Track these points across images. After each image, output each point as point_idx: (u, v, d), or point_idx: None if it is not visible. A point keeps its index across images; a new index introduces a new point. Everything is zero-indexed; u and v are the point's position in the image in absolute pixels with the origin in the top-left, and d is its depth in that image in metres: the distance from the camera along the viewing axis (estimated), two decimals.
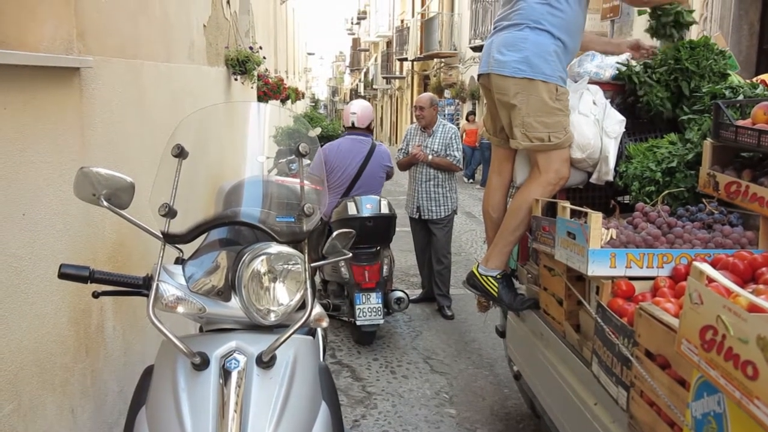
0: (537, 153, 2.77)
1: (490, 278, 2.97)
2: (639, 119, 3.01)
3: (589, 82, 2.95)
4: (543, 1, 2.73)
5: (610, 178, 2.83)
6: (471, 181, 15.72)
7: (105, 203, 1.89)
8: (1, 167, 1.98)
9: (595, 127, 2.80)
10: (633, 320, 1.88)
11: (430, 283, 5.78)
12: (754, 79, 2.83)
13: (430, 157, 5.40)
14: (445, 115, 18.89)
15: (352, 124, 5.09)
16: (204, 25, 4.67)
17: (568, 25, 2.77)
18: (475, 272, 3.03)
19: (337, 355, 4.58)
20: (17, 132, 2.06)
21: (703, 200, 2.44)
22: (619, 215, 2.63)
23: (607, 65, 3.00)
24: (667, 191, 2.55)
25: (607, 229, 2.27)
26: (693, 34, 7.65)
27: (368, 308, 4.55)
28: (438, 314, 5.54)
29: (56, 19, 2.33)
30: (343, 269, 4.62)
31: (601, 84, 2.98)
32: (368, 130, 5.12)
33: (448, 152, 5.45)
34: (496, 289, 2.95)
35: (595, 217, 2.15)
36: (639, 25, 9.45)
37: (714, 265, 1.83)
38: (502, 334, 3.65)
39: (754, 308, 1.30)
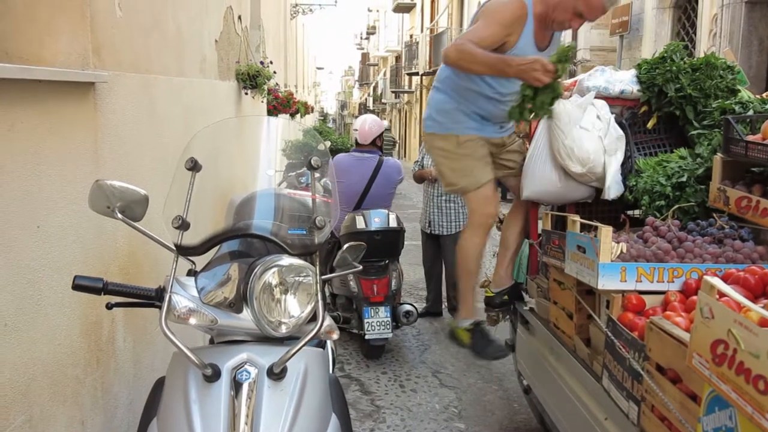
0: (464, 198, 2.87)
1: (463, 329, 3.07)
2: (649, 133, 3.02)
3: (596, 97, 2.96)
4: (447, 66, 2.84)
5: (609, 197, 2.83)
6: None
7: (119, 215, 1.91)
8: (17, 180, 2.00)
9: (598, 142, 2.81)
10: (644, 334, 1.87)
11: (435, 298, 5.78)
12: (764, 95, 2.83)
13: None
14: None
15: (356, 140, 5.13)
16: (216, 41, 4.72)
17: (465, 91, 2.83)
18: (451, 326, 3.22)
19: (346, 369, 4.57)
20: (33, 145, 2.09)
21: (714, 215, 2.44)
22: (629, 229, 2.63)
23: (616, 80, 3.01)
24: (677, 206, 2.55)
25: (617, 243, 2.27)
26: (701, 49, 7.67)
27: (377, 322, 4.55)
28: (447, 328, 5.52)
29: (72, 35, 2.37)
30: (351, 283, 4.62)
31: (609, 99, 2.99)
32: (374, 146, 5.12)
33: None
34: (467, 339, 3.05)
35: (605, 231, 2.15)
36: (648, 40, 9.47)
37: (725, 279, 1.83)
38: (511, 348, 3.64)
39: (765, 323, 1.30)
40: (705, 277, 1.47)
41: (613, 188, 2.80)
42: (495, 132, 2.97)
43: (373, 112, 36.06)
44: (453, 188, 2.81)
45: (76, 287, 1.80)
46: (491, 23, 2.53)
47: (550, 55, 2.57)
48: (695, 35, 8.36)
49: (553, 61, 2.48)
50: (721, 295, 1.42)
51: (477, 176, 2.76)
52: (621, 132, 2.85)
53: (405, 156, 30.64)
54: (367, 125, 5.10)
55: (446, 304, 5.74)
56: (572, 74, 11.37)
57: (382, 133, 5.19)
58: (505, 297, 3.14)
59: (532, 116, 2.63)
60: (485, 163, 2.80)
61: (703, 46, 7.73)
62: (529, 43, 2.64)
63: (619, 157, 2.82)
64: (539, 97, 2.53)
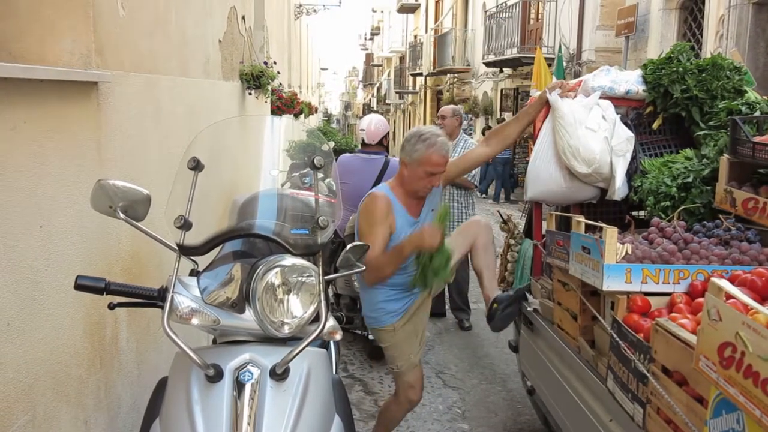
0: (397, 378, 3.10)
1: None
2: (655, 134, 3.00)
3: (602, 97, 2.94)
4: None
5: (617, 197, 2.82)
6: (484, 196, 15.71)
7: (121, 215, 1.91)
8: (20, 180, 2.00)
9: (604, 143, 2.80)
10: (649, 336, 1.86)
11: (438, 299, 5.75)
12: None
13: None
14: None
15: (363, 141, 5.10)
16: (219, 41, 4.71)
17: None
18: None
19: (350, 369, 4.56)
20: (36, 145, 2.08)
21: (720, 216, 2.42)
22: (635, 230, 2.62)
23: (621, 80, 2.99)
24: (683, 207, 2.54)
25: (622, 244, 2.25)
26: (707, 50, 7.64)
27: None
28: (450, 328, 5.51)
29: (75, 35, 2.37)
30: (355, 283, 4.61)
31: (614, 99, 2.97)
32: (381, 146, 5.10)
33: None
34: None
35: (611, 232, 2.14)
36: (654, 42, 9.44)
37: (731, 281, 1.81)
38: (515, 348, 3.63)
39: None
40: (712, 279, 1.45)
41: (618, 191, 2.79)
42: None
43: (377, 112, 36.06)
44: (393, 369, 3.09)
45: (79, 287, 1.80)
46: (373, 227, 2.79)
47: (428, 216, 2.92)
48: (701, 36, 8.33)
49: (437, 221, 2.74)
50: (728, 297, 1.40)
51: (412, 358, 3.03)
52: (630, 133, 2.83)
53: None
54: (373, 125, 5.07)
55: (449, 304, 5.72)
56: (577, 75, 11.35)
57: (388, 133, 5.18)
58: (495, 305, 3.17)
59: (435, 281, 2.84)
60: (416, 342, 3.06)
61: (709, 48, 7.70)
62: (404, 219, 2.88)
63: (628, 158, 2.80)
64: (435, 260, 2.75)
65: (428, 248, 2.72)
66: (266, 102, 6.93)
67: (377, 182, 4.87)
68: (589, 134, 2.78)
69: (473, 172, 5.42)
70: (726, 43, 7.27)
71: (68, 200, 2.27)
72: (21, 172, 2.00)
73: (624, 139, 2.80)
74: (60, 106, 2.24)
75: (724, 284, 1.40)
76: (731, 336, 1.29)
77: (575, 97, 2.97)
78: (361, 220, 2.89)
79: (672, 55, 2.93)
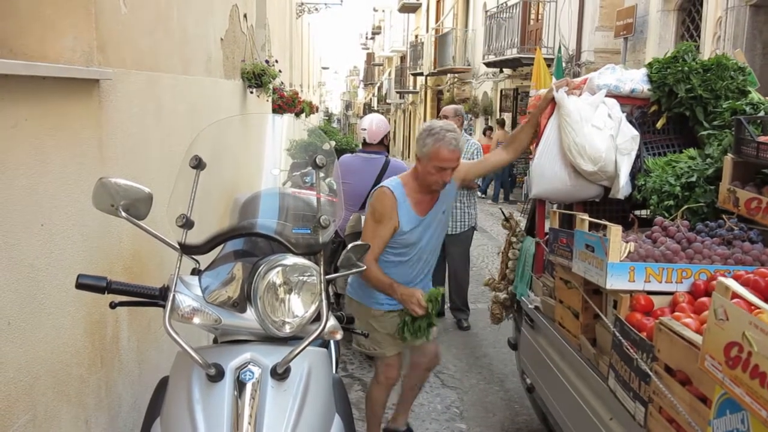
0: (376, 359, 3.22)
1: None
2: (659, 133, 3.00)
3: (607, 95, 2.93)
4: None
5: (621, 196, 2.81)
6: (483, 196, 15.70)
7: (123, 214, 1.90)
8: (21, 177, 1.99)
9: (610, 141, 2.79)
10: (652, 335, 1.85)
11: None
12: None
13: None
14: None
15: (364, 140, 5.09)
16: (221, 39, 4.70)
17: (383, 264, 2.94)
18: None
19: (349, 369, 4.56)
20: (37, 143, 2.07)
21: (723, 216, 2.41)
22: (638, 229, 2.61)
23: (627, 79, 2.99)
24: (686, 206, 2.53)
25: (626, 242, 2.25)
26: (705, 52, 7.63)
27: None
28: (449, 328, 5.51)
29: (77, 32, 2.36)
30: None
31: (619, 97, 2.96)
32: (382, 145, 5.09)
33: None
34: None
35: (615, 230, 2.13)
36: (652, 43, 9.43)
37: None
38: (514, 346, 3.62)
39: None
40: (719, 278, 1.45)
41: (622, 189, 2.79)
42: (423, 287, 3.11)
43: (377, 112, 36.05)
44: (372, 350, 3.12)
45: (80, 286, 1.79)
46: (377, 224, 2.83)
47: (437, 216, 2.97)
48: (699, 38, 8.32)
49: (425, 300, 2.86)
50: (734, 297, 1.39)
51: (386, 349, 3.07)
52: (635, 132, 2.83)
53: (409, 157, 30.64)
54: (374, 125, 5.07)
55: (448, 304, 5.72)
56: (576, 75, 11.34)
57: (388, 132, 5.16)
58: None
59: (412, 338, 2.96)
60: (395, 338, 3.06)
61: (707, 49, 7.69)
62: (410, 218, 2.89)
63: (633, 156, 2.80)
64: (417, 322, 2.91)
65: (411, 312, 2.84)
66: (268, 101, 6.92)
67: (377, 182, 4.86)
68: (595, 132, 2.78)
69: None
70: (723, 44, 7.26)
71: (69, 198, 2.27)
72: (22, 170, 1.99)
73: (629, 137, 2.79)
74: (61, 103, 2.23)
75: (731, 283, 1.39)
76: (738, 336, 1.28)
77: (581, 95, 2.97)
78: (368, 214, 2.91)
79: (677, 55, 2.92)
